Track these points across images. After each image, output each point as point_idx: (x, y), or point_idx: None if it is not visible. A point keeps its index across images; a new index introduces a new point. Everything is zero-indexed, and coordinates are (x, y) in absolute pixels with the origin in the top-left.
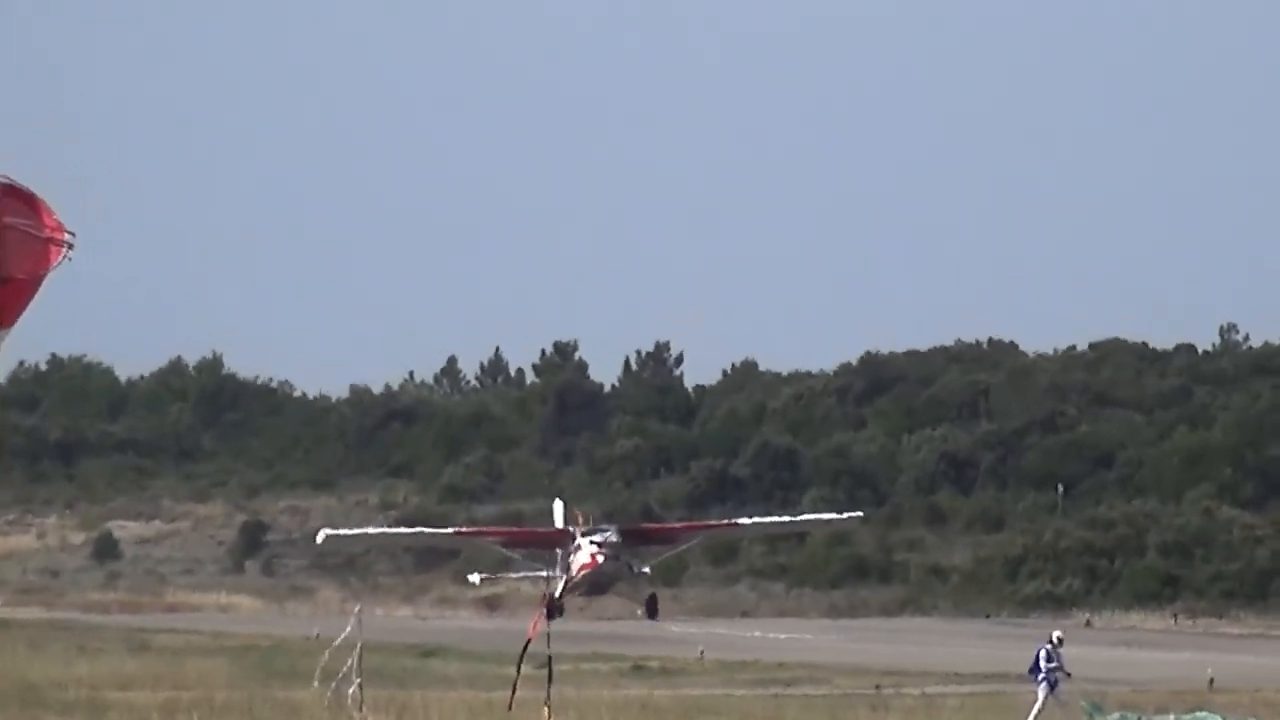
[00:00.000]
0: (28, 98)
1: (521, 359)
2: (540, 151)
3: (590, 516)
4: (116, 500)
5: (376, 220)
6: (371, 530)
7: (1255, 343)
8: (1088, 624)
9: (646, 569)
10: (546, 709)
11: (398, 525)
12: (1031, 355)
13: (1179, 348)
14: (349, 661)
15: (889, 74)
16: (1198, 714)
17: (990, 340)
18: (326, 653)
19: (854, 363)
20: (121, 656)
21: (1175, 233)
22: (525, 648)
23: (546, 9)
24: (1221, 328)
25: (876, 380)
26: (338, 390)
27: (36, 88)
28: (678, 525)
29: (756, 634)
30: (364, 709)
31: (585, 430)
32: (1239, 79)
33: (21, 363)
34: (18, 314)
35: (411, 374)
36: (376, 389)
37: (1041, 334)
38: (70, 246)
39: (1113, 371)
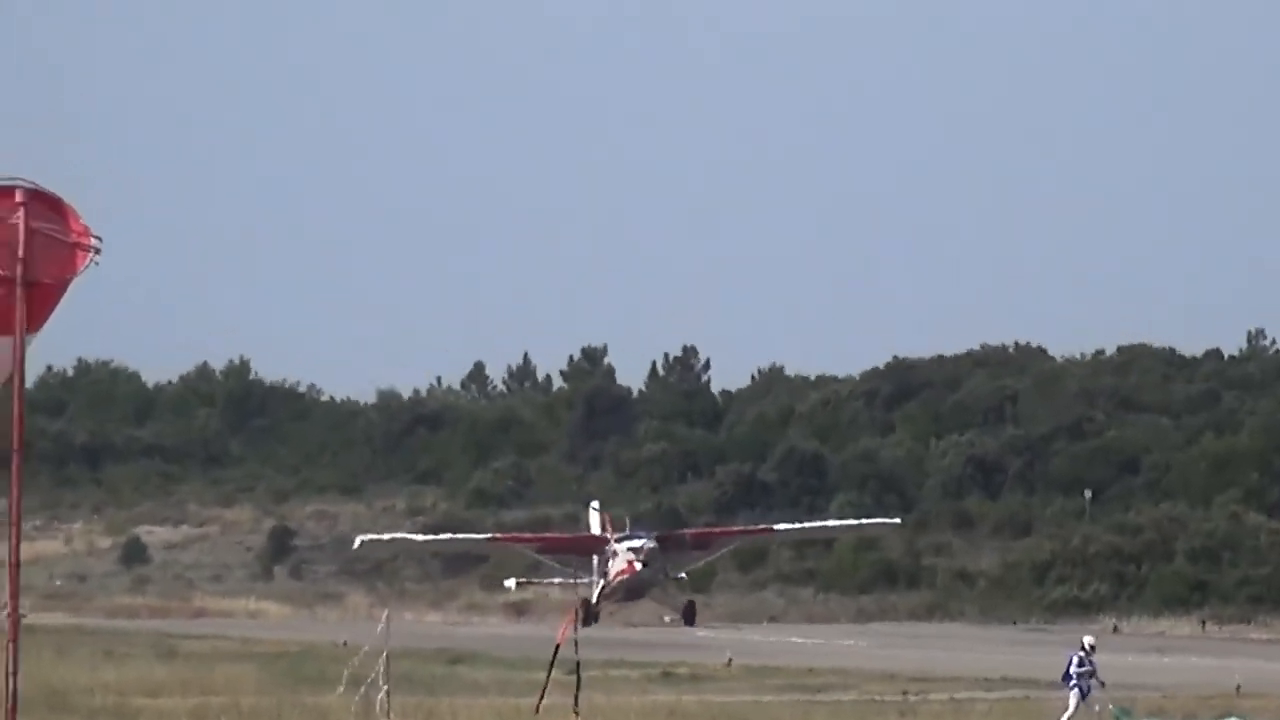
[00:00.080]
0: (28, 98)
1: (549, 364)
2: (545, 151)
3: (622, 521)
4: (144, 505)
5: (403, 223)
6: (409, 536)
7: None
8: (1115, 630)
9: (683, 575)
10: (575, 715)
11: (426, 531)
12: (1059, 360)
13: (1206, 353)
14: (377, 667)
15: (889, 74)
16: (1225, 719)
17: (1017, 345)
18: (355, 660)
19: (881, 367)
20: (149, 662)
21: (1202, 238)
22: (555, 653)
23: (546, 9)
24: (1249, 333)
25: (904, 385)
26: (365, 395)
27: (36, 88)
28: (715, 530)
29: (791, 639)
30: (392, 715)
31: (613, 435)
32: (1239, 79)
33: (49, 367)
34: (44, 319)
35: (439, 379)
36: (404, 394)
37: (1069, 339)
38: (97, 251)
39: (1140, 376)
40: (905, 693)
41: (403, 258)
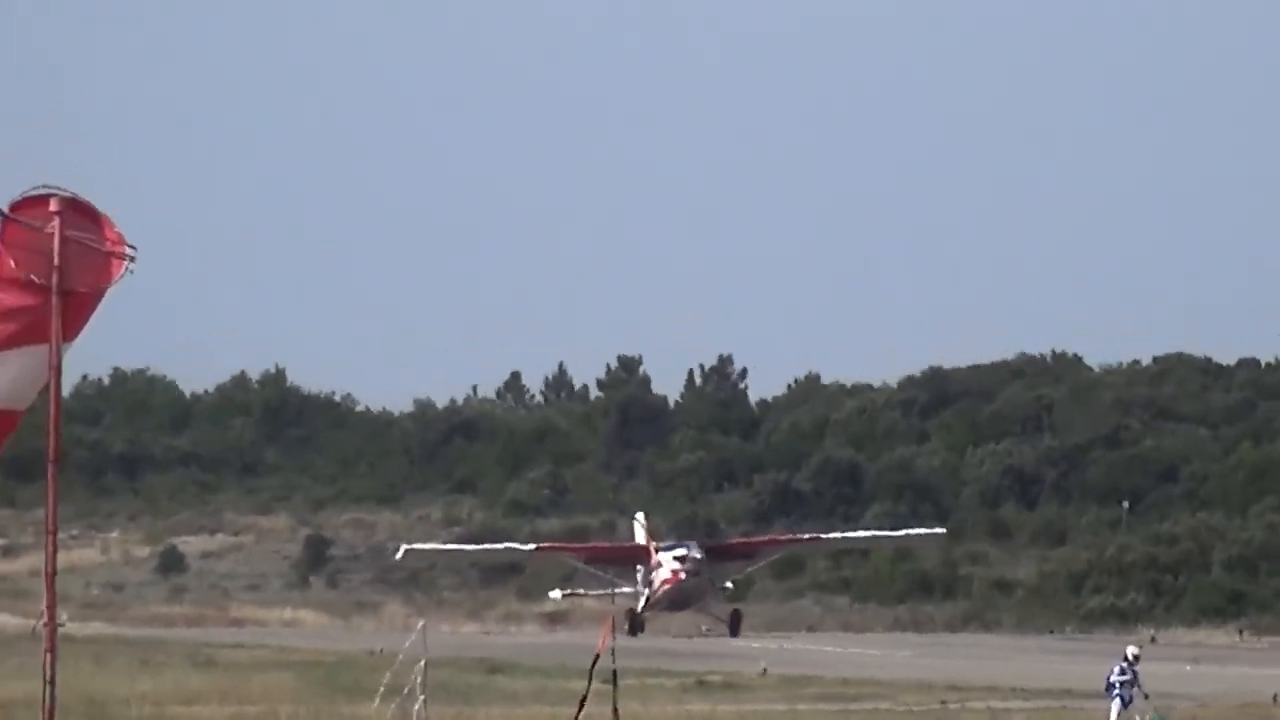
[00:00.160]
0: (28, 98)
1: (585, 374)
2: (545, 151)
3: (664, 530)
4: (180, 514)
5: (408, 225)
6: (452, 546)
7: None
8: (1152, 640)
9: (729, 584)
10: None
11: (462, 540)
12: (1095, 370)
13: (1242, 362)
14: (413, 677)
15: (889, 74)
16: None
17: (1054, 354)
18: (390, 671)
19: (917, 376)
20: (186, 671)
21: (1237, 246)
22: (595, 662)
23: (546, 9)
24: None
25: (940, 394)
26: (401, 404)
27: (36, 88)
28: (760, 540)
29: (826, 649)
30: None
31: (649, 444)
32: (1239, 79)
33: (85, 376)
34: (79, 328)
35: (475, 388)
36: (440, 403)
37: (1105, 348)
38: (132, 260)
39: (1176, 386)
40: (943, 702)
41: (429, 266)
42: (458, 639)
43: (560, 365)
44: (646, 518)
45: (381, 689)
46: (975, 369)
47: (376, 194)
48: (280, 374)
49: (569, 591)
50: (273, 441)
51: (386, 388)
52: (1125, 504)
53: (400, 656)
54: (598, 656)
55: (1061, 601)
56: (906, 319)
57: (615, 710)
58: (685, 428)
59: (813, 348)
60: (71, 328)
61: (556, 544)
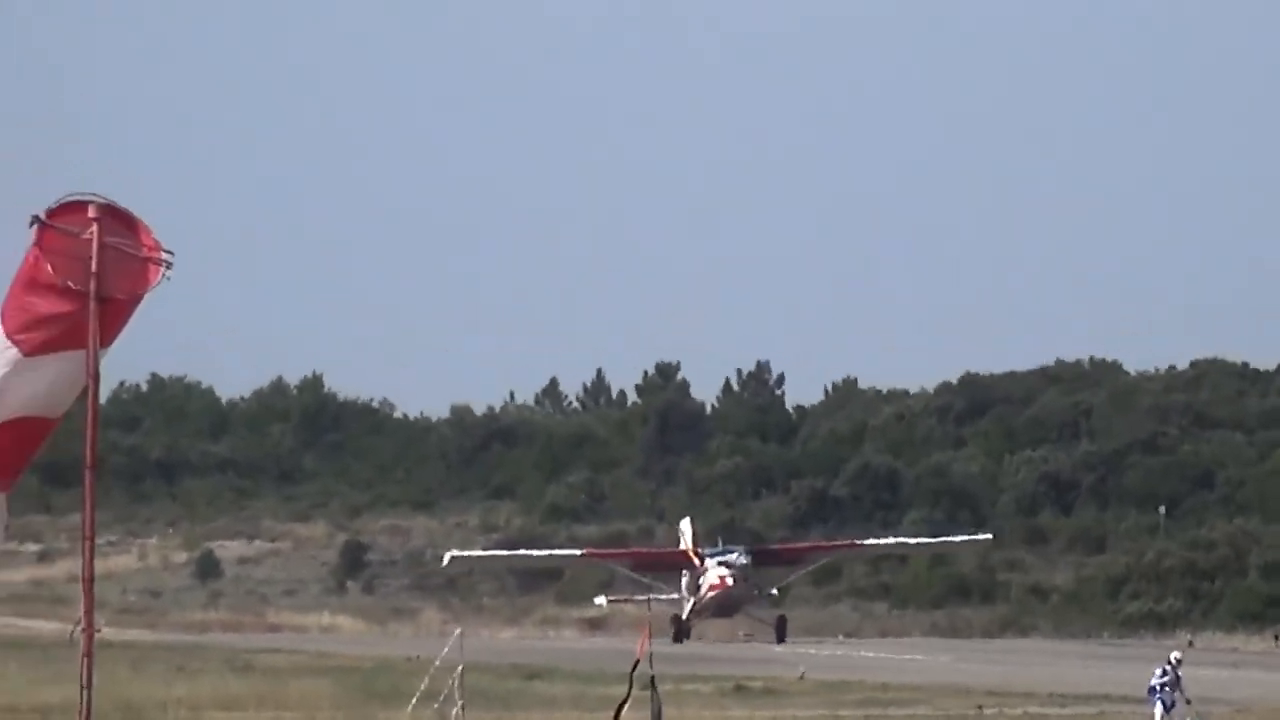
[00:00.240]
0: (28, 98)
1: (623, 380)
2: (545, 151)
3: (707, 536)
4: (218, 520)
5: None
6: (497, 552)
7: None
8: (1190, 644)
9: (774, 591)
10: None
11: (500, 546)
12: (1133, 375)
13: None
14: (451, 682)
15: (889, 74)
16: None
17: (1091, 360)
18: (426, 676)
19: (954, 382)
20: (224, 677)
21: (1276, 251)
22: (634, 667)
23: (546, 9)
24: None
25: (977, 400)
26: (438, 410)
27: (36, 88)
28: (806, 546)
29: (864, 654)
30: None
31: (686, 451)
32: (1239, 79)
33: (122, 383)
34: (116, 334)
35: (512, 394)
36: (478, 409)
37: (1142, 354)
38: (169, 266)
39: (1213, 391)
40: (980, 707)
41: (504, 279)
42: (495, 644)
43: (598, 372)
44: (692, 524)
45: (417, 695)
46: (1012, 375)
47: (384, 197)
48: (318, 380)
49: (615, 598)
50: (310, 448)
51: (424, 394)
52: (1162, 509)
53: (436, 662)
54: (637, 662)
55: (1099, 607)
56: (943, 325)
57: (659, 717)
58: (722, 434)
59: (849, 354)
60: (108, 334)
61: (604, 550)
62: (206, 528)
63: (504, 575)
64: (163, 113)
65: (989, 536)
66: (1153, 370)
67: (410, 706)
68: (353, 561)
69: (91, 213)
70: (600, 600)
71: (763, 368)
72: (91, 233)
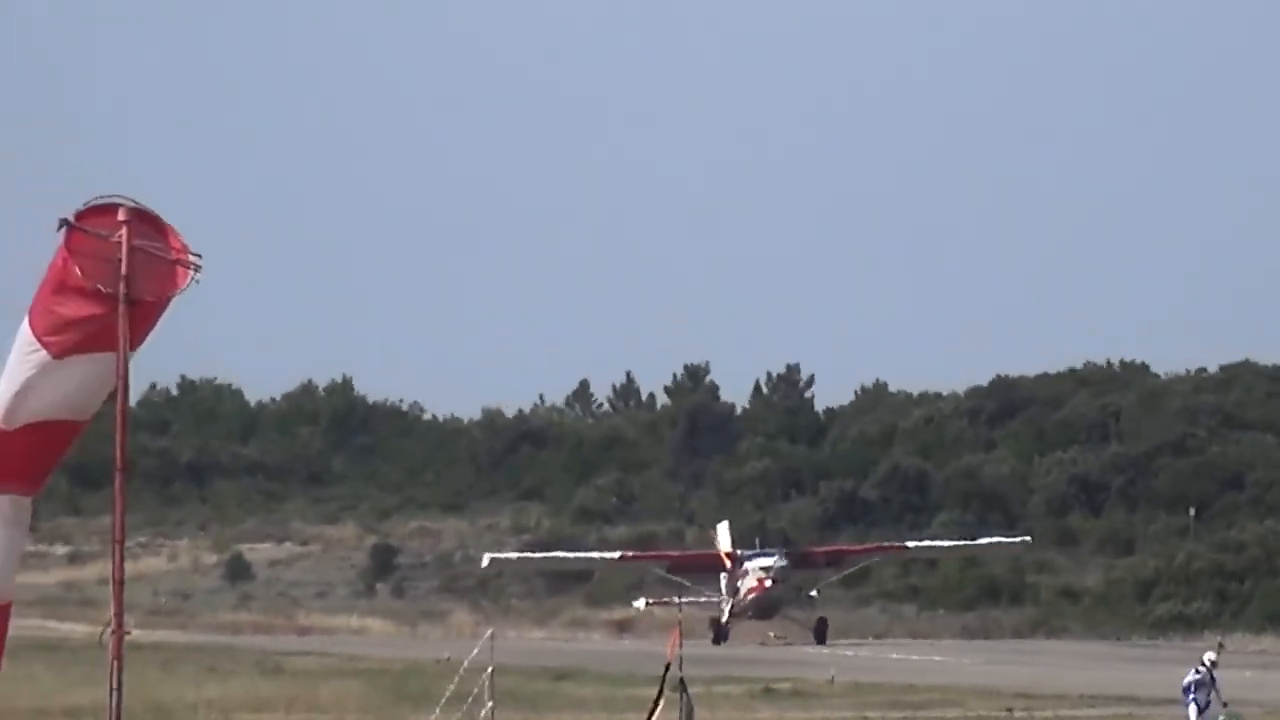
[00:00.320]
0: (28, 98)
1: (653, 382)
2: (545, 151)
3: (742, 538)
4: (248, 522)
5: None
6: (535, 555)
7: None
8: (1220, 646)
9: (814, 593)
10: None
11: (530, 548)
12: (1162, 377)
13: None
14: (481, 684)
15: (889, 74)
16: None
17: (1121, 362)
18: (456, 678)
19: (984, 384)
20: (254, 678)
21: None
22: (666, 670)
23: (546, 9)
24: None
25: (1007, 402)
26: (468, 413)
27: (36, 88)
28: (846, 548)
29: (893, 656)
30: None
31: (716, 453)
32: (1239, 79)
33: (153, 385)
34: (144, 337)
35: (542, 397)
36: (508, 412)
37: (1171, 356)
38: (198, 269)
39: (1243, 393)
40: (1009, 709)
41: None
42: (525, 646)
43: (628, 374)
44: (730, 526)
45: (445, 697)
46: (1042, 378)
47: (409, 199)
48: (347, 383)
49: (653, 600)
50: (340, 450)
51: (454, 397)
52: (1192, 511)
53: (465, 664)
54: (668, 665)
55: (1128, 609)
56: (973, 328)
57: (691, 718)
58: (752, 436)
59: (879, 357)
60: (136, 336)
61: (641, 553)
62: (236, 530)
63: (533, 577)
64: (163, 113)
65: (1027, 539)
66: (1182, 372)
67: (438, 708)
68: (382, 564)
69: (120, 215)
70: (639, 603)
71: (792, 370)
72: (120, 235)
